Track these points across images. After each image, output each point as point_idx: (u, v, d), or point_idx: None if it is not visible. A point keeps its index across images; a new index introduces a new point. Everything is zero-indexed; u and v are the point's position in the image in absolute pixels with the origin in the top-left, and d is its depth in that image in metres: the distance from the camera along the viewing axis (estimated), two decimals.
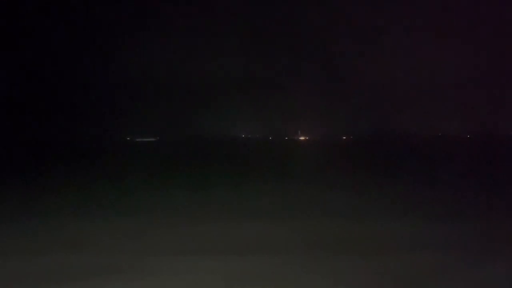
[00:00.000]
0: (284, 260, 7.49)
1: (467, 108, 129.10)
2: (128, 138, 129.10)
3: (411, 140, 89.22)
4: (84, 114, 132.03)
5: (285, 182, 19.79)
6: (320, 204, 13.24)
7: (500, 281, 6.47)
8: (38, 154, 48.89)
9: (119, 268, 7.04)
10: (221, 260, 7.51)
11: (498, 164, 29.52)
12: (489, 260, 7.34)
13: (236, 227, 10.14)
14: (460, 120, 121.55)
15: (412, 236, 9.06)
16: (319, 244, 8.52)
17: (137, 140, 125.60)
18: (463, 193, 15.17)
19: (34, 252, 7.96)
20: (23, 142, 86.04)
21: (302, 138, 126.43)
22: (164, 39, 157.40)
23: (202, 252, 8.02)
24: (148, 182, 20.08)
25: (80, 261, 7.40)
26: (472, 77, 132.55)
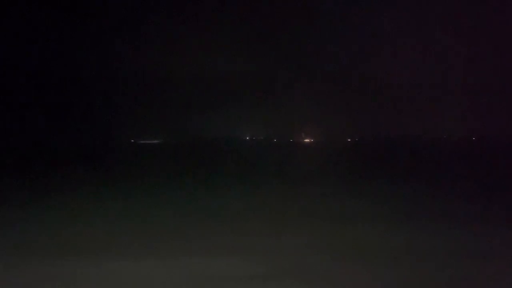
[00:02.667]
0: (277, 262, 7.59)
1: (473, 110, 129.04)
2: (132, 141, 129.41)
3: (415, 142, 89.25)
4: (87, 117, 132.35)
5: (289, 185, 19.77)
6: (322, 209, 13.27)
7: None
8: (43, 158, 49.01)
9: None
10: (209, 260, 7.63)
11: (500, 167, 29.34)
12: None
13: (232, 230, 10.23)
14: (466, 122, 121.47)
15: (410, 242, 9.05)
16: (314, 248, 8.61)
17: (141, 142, 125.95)
18: (461, 197, 15.11)
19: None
20: (27, 146, 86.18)
21: (306, 140, 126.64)
22: (167, 41, 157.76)
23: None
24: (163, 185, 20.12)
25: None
26: (478, 79, 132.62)
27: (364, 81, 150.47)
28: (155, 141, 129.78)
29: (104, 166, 34.24)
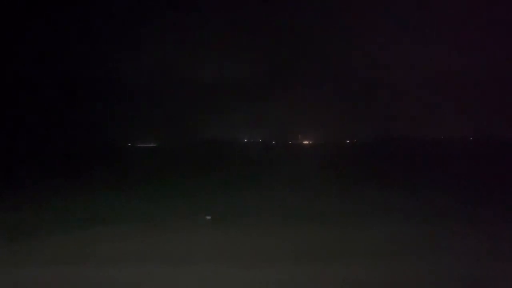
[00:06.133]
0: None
1: (470, 110, 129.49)
2: (129, 144, 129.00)
3: (414, 143, 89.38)
4: (85, 122, 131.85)
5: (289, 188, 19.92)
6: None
7: None
8: (48, 162, 48.76)
9: None
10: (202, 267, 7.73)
11: (496, 167, 29.34)
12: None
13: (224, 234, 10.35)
14: (463, 122, 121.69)
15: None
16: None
17: (139, 146, 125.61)
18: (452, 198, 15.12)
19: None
20: (24, 149, 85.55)
21: (305, 142, 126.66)
22: (165, 45, 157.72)
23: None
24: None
25: None
26: (475, 79, 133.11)
27: (363, 83, 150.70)
28: (152, 145, 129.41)
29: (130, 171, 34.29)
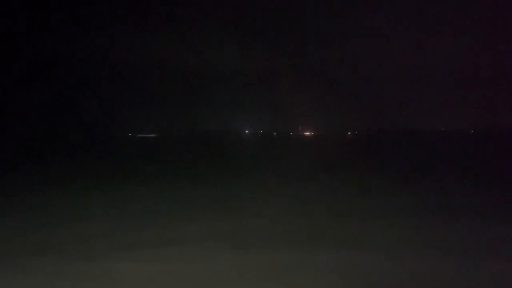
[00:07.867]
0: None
1: (470, 103, 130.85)
2: (130, 134, 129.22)
3: (414, 136, 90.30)
4: (86, 112, 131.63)
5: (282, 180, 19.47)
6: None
7: None
8: (49, 151, 48.71)
9: None
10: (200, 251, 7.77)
11: (496, 159, 29.08)
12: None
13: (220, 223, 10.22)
14: (463, 115, 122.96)
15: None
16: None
17: (139, 136, 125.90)
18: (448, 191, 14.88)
19: None
20: (25, 139, 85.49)
21: (306, 133, 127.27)
22: (167, 36, 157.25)
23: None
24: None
25: None
26: (475, 72, 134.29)
27: (365, 75, 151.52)
28: (152, 135, 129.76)
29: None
